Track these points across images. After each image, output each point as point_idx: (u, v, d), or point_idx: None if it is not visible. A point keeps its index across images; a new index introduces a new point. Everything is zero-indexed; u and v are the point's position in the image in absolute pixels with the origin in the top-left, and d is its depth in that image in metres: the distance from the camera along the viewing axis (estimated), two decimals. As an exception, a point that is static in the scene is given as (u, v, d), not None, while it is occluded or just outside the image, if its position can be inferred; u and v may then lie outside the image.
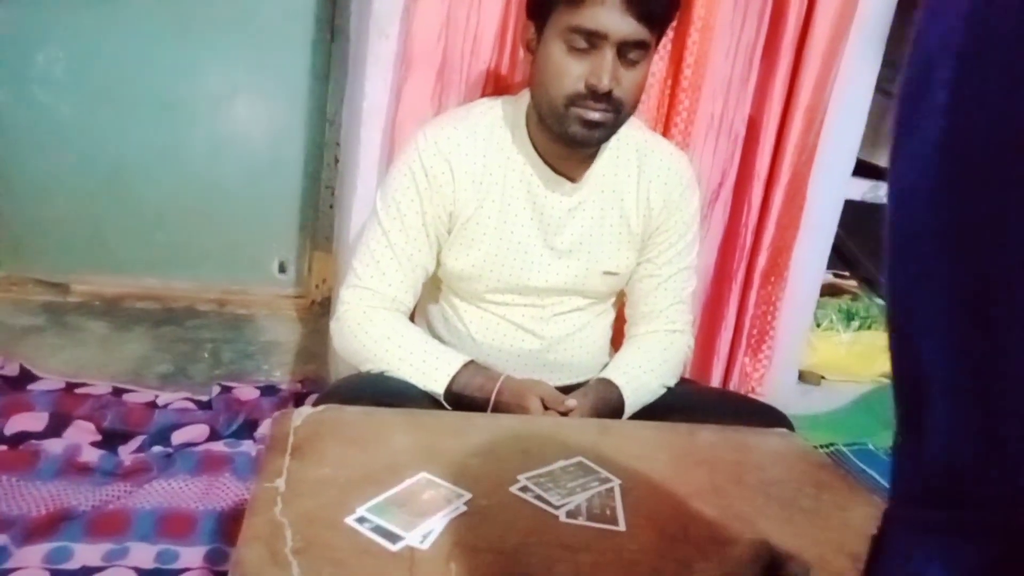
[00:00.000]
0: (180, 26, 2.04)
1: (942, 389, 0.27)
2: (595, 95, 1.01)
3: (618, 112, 1.05)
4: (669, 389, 1.18)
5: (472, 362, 1.08)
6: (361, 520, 0.69)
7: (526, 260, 1.14)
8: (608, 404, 1.09)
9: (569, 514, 0.75)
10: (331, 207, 2.24)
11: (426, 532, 0.69)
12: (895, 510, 0.29)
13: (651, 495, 0.81)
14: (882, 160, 1.82)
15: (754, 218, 1.66)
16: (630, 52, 1.01)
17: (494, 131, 1.13)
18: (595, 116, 1.03)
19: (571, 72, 1.01)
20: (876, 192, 1.87)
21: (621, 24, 0.98)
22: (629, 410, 1.11)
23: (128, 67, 2.06)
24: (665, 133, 1.54)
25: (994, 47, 0.25)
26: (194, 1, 2.03)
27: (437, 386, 1.05)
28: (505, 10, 1.43)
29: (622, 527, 0.74)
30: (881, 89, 1.69)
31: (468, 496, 0.75)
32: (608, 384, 1.11)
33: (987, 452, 0.25)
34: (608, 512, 0.76)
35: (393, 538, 0.68)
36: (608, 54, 0.99)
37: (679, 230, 1.20)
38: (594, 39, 0.99)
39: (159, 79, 2.08)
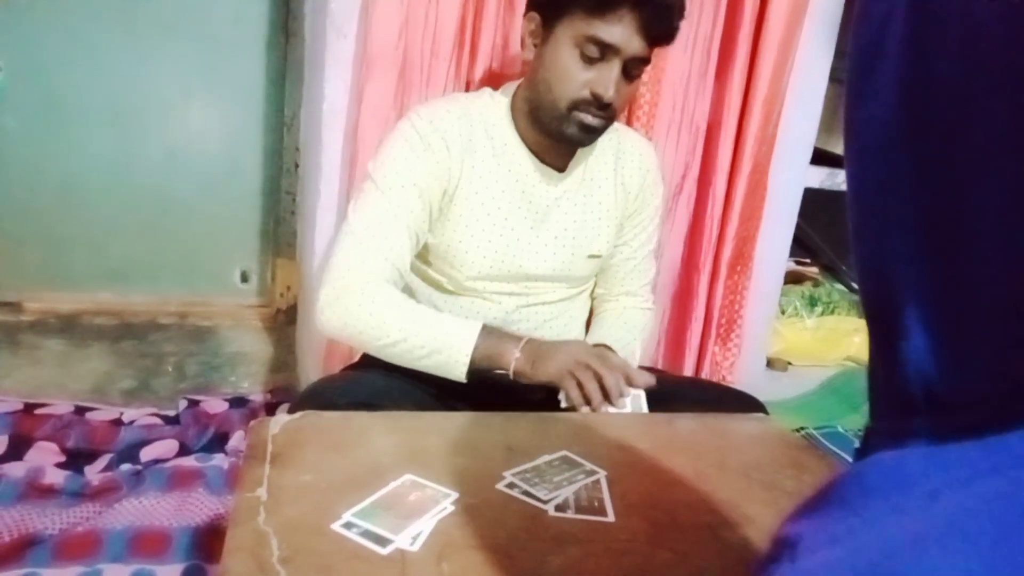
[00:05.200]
0: (128, 32, 1.99)
1: (914, 313, 0.29)
2: (598, 103, 1.04)
3: (611, 119, 1.09)
4: None
5: (488, 325, 1.04)
6: (348, 525, 0.68)
7: (518, 247, 1.14)
8: None
9: (558, 508, 0.74)
10: (292, 213, 2.21)
11: (415, 534, 0.68)
12: (875, 423, 0.31)
13: (637, 485, 0.81)
14: (839, 148, 1.86)
15: (718, 209, 1.68)
16: (633, 68, 1.05)
17: (486, 117, 1.13)
18: (594, 122, 1.06)
19: (578, 78, 1.04)
20: (834, 179, 1.91)
21: (633, 42, 1.02)
22: None
23: (76, 76, 2.00)
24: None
25: None
26: (142, 5, 1.98)
27: (465, 347, 1.00)
28: (463, 7, 1.42)
29: (611, 518, 0.74)
30: (835, 79, 1.73)
31: (455, 495, 0.74)
32: (603, 348, 1.13)
33: (955, 365, 0.28)
34: (596, 504, 0.76)
35: (382, 542, 0.66)
36: (616, 66, 1.03)
37: (650, 214, 1.26)
38: (606, 51, 1.02)
39: (108, 87, 2.03)
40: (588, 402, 0.97)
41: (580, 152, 1.17)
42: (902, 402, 0.29)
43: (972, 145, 0.27)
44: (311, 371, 1.71)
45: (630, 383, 0.99)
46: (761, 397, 1.20)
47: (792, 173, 1.78)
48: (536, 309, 1.19)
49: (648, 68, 1.11)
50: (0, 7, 1.89)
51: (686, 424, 0.98)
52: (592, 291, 1.30)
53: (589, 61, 1.03)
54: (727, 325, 1.80)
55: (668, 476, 0.83)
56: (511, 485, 0.77)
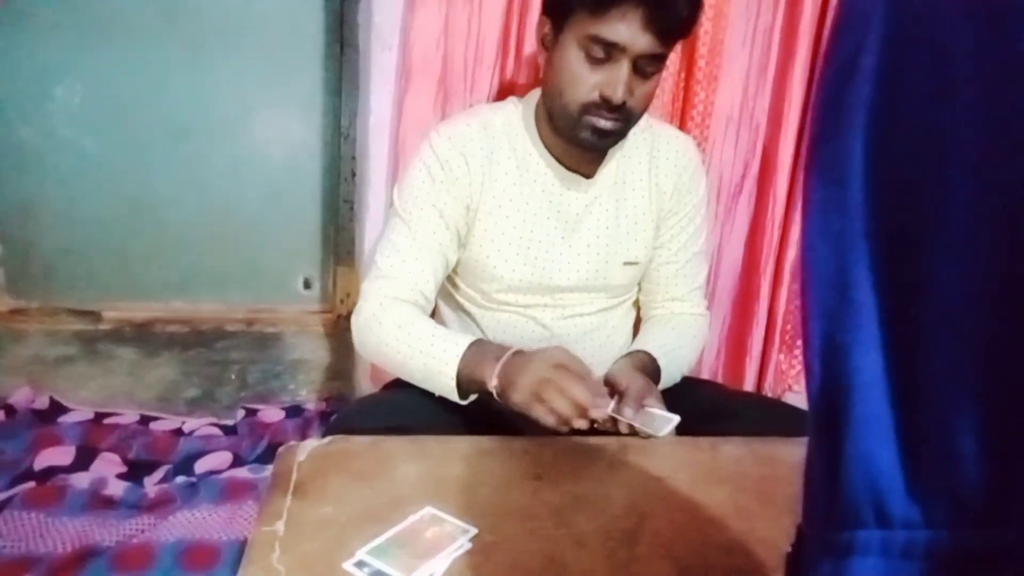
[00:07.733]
0: (191, 51, 2.05)
1: (866, 412, 0.26)
2: (609, 105, 0.99)
3: (628, 121, 1.04)
4: (701, 394, 1.14)
5: (480, 340, 0.98)
6: (360, 564, 0.66)
7: (548, 258, 1.11)
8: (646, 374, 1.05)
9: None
10: (351, 221, 2.23)
11: (428, 575, 0.66)
12: (812, 530, 0.29)
13: (669, 522, 0.77)
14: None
15: (780, 211, 1.59)
16: (646, 66, 0.99)
17: (507, 128, 1.11)
18: (607, 125, 1.02)
19: (586, 81, 0.99)
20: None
21: (640, 39, 0.96)
22: (662, 384, 1.08)
23: (144, 95, 2.07)
24: (682, 127, 1.49)
25: (917, 23, 0.25)
26: (203, 25, 2.04)
27: (448, 370, 0.94)
28: (507, 13, 1.39)
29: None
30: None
31: (474, 531, 0.71)
32: (643, 355, 1.08)
33: (910, 472, 0.25)
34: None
35: (393, 582, 0.65)
36: (624, 66, 0.98)
37: (689, 213, 1.19)
38: (612, 50, 0.97)
39: (175, 105, 2.09)
40: (565, 421, 0.87)
41: (610, 155, 1.12)
42: (846, 512, 0.25)
43: (937, 203, 0.23)
44: (364, 379, 1.73)
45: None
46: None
47: (863, 170, 1.67)
48: (574, 321, 1.15)
49: (670, 63, 1.05)
50: (74, 34, 1.98)
51: (730, 450, 0.93)
52: (636, 300, 1.25)
53: (596, 62, 0.98)
54: (792, 332, 1.71)
55: (704, 512, 0.78)
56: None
